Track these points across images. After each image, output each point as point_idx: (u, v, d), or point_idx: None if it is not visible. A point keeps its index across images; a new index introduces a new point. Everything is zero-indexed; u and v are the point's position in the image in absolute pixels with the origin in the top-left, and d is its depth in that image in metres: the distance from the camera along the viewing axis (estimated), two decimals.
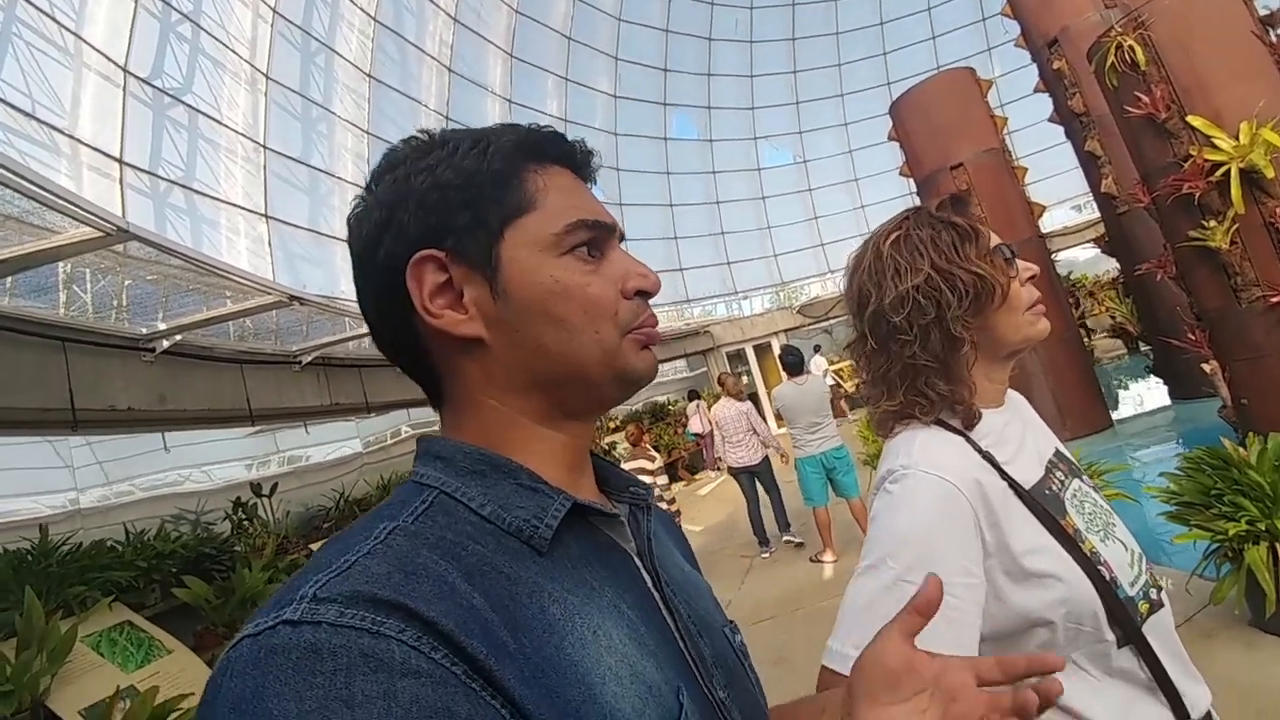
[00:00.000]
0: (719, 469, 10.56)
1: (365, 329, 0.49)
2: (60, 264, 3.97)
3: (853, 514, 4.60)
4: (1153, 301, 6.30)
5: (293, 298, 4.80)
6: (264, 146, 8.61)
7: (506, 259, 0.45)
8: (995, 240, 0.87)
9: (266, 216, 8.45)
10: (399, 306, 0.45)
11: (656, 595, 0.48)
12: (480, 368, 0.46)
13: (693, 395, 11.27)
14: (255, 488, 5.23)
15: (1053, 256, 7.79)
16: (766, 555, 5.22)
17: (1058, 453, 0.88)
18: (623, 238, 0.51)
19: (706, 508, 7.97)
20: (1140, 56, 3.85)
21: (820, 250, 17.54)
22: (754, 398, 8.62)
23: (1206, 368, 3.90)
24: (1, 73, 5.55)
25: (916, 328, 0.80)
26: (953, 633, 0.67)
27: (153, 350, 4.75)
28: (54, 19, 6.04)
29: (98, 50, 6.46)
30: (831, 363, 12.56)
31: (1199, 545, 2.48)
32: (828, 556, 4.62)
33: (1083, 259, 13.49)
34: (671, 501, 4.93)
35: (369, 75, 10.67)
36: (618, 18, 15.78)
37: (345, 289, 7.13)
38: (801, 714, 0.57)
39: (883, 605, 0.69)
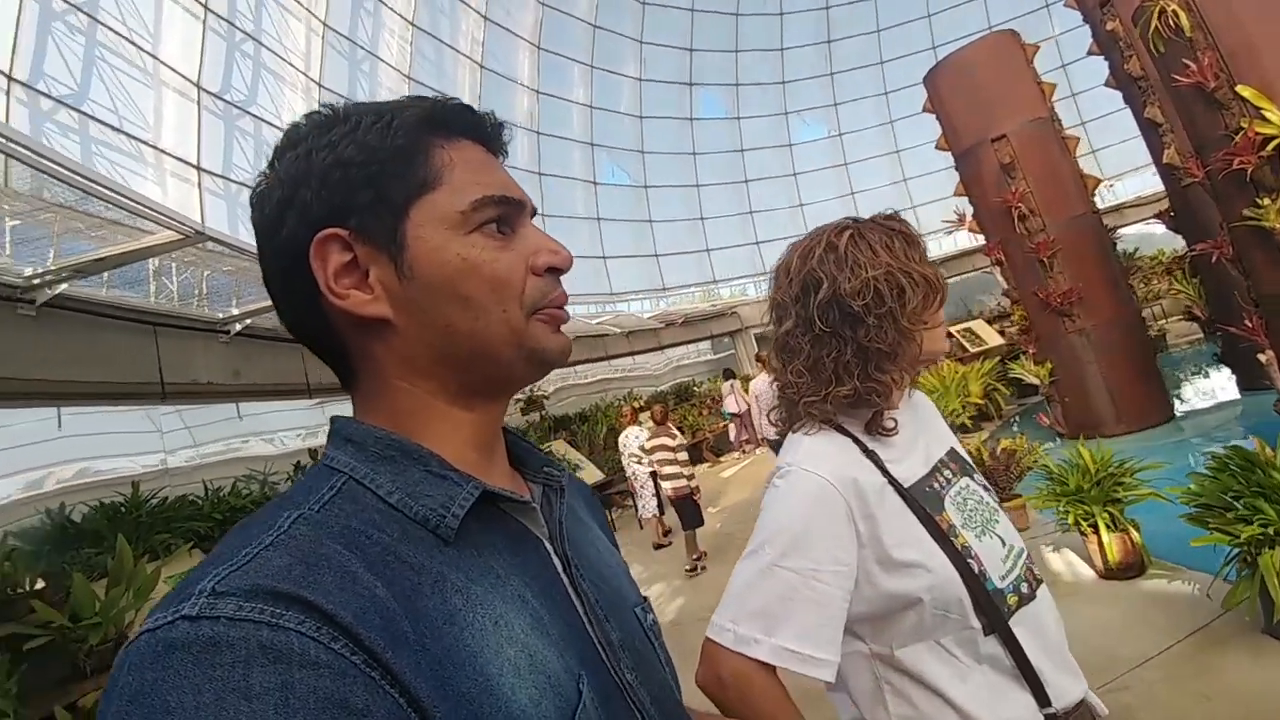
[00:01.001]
0: (744, 451, 10.71)
1: None
2: (150, 260, 4.66)
3: None
4: (1222, 282, 5.35)
5: None
6: None
7: (412, 237, 0.44)
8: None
9: None
10: (304, 286, 0.44)
11: (565, 580, 0.47)
12: (388, 349, 0.45)
13: (728, 374, 11.42)
14: (313, 454, 5.92)
15: (1119, 231, 6.92)
16: None
17: (951, 452, 0.93)
18: (534, 213, 0.50)
19: (728, 490, 8.08)
20: (1184, 21, 3.56)
21: None
22: None
23: (1262, 357, 3.64)
24: (90, 93, 6.36)
25: (874, 315, 0.83)
26: (821, 613, 0.76)
27: (228, 332, 5.47)
28: (133, 43, 6.83)
29: (173, 69, 7.26)
30: None
31: (1219, 550, 2.35)
32: None
33: (1160, 233, 12.29)
34: (691, 477, 5.20)
35: (408, 77, 11.39)
36: (643, 2, 15.66)
37: None
38: None
39: (759, 587, 0.78)
